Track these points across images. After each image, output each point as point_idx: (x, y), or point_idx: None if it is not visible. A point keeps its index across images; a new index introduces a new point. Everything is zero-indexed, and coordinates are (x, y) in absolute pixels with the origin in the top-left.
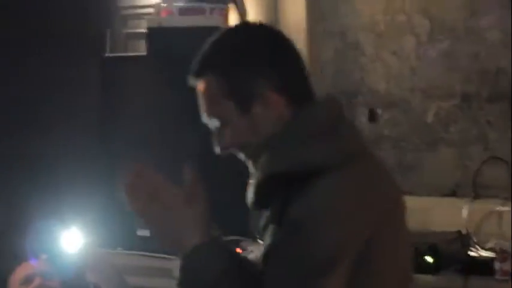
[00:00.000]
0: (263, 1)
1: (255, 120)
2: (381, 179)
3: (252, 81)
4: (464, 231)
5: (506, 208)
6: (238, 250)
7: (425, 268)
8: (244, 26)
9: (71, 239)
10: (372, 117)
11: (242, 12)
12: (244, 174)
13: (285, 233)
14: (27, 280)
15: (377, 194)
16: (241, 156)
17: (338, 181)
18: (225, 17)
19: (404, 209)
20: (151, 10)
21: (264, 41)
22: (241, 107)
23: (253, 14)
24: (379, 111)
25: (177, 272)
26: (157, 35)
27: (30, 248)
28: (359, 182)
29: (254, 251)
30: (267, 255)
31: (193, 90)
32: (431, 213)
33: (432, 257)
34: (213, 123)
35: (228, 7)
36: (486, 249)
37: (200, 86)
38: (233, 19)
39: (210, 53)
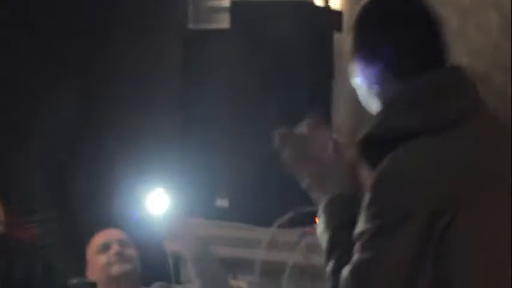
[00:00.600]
0: None
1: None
2: (469, 153)
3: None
4: None
5: None
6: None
7: None
8: None
9: (157, 201)
10: None
11: None
12: None
13: (367, 194)
14: (105, 247)
15: (454, 169)
16: None
17: (416, 149)
18: None
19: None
20: None
21: (378, 15)
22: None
23: None
24: None
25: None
26: (241, 8)
27: (117, 212)
28: (437, 152)
29: None
30: None
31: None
32: None
33: None
34: None
35: None
36: None
37: None
38: None
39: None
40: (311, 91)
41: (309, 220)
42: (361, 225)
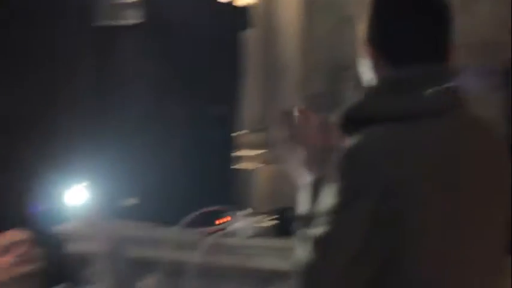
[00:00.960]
0: None
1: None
2: (429, 143)
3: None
4: None
5: None
6: (225, 219)
7: None
8: None
9: (71, 198)
10: None
11: None
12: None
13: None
14: (8, 248)
15: (410, 154)
16: None
17: (378, 132)
18: None
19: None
20: None
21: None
22: None
23: None
24: None
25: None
26: (153, 2)
27: (27, 210)
28: (397, 138)
29: (241, 220)
30: None
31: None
32: None
33: None
34: None
35: None
36: None
37: None
38: None
39: None
40: (219, 88)
41: (212, 220)
42: (326, 202)
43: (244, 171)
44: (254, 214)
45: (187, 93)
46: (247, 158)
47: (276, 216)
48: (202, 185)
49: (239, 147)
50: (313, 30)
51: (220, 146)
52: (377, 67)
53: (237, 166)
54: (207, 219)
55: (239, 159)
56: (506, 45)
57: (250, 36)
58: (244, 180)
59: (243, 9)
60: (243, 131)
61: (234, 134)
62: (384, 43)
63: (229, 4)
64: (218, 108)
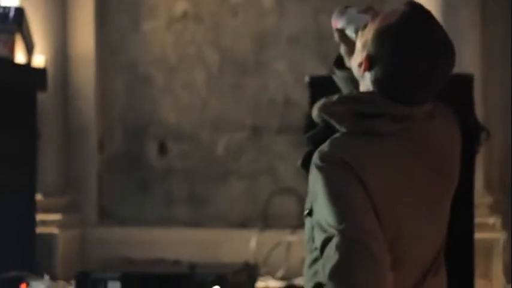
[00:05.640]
0: (51, 33)
1: None
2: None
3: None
4: (252, 262)
5: (295, 238)
6: (24, 286)
7: None
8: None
9: None
10: (162, 150)
11: (29, 43)
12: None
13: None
14: None
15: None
16: None
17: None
18: (11, 47)
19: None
20: None
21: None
22: None
23: (41, 46)
24: (169, 144)
25: None
26: None
27: None
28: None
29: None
30: None
31: None
32: (221, 244)
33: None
34: None
35: (14, 38)
36: (276, 279)
37: None
38: (20, 50)
39: None
40: (15, 151)
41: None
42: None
43: (45, 235)
44: (55, 279)
45: None
46: (47, 222)
47: (77, 280)
48: (2, 250)
49: (39, 212)
50: (109, 90)
51: (20, 210)
52: (363, 80)
53: (38, 230)
54: (9, 285)
55: (40, 223)
56: None
57: (46, 98)
58: (45, 245)
59: (38, 71)
60: (41, 196)
61: (34, 199)
62: (374, 65)
63: (21, 65)
64: (15, 172)
